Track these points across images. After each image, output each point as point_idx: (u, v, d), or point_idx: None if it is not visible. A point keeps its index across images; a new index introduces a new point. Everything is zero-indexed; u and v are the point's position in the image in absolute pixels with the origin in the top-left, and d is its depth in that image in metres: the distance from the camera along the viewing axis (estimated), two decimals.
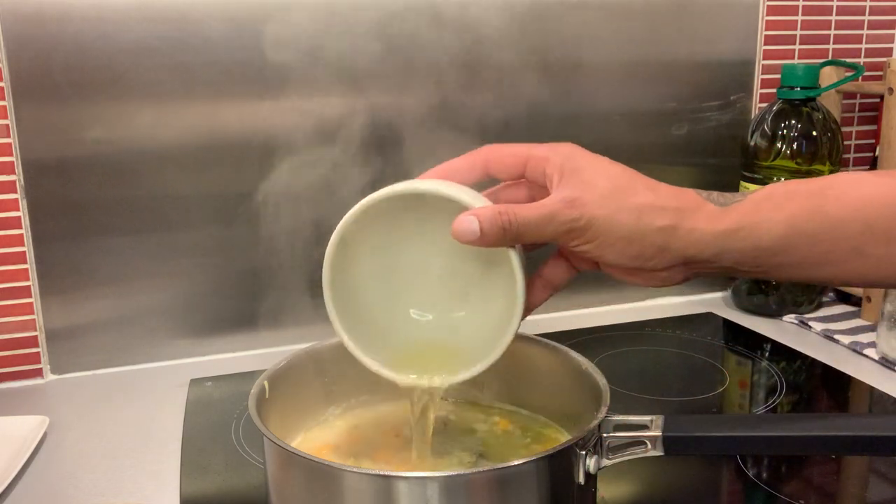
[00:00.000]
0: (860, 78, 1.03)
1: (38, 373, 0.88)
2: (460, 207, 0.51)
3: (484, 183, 0.57)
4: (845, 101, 1.09)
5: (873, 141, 1.14)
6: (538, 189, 0.55)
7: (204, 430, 0.76)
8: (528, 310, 0.56)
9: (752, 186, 1.00)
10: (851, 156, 1.15)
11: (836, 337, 0.95)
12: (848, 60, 1.05)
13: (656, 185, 0.53)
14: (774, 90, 1.03)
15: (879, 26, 1.11)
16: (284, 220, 0.91)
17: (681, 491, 0.67)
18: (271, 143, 0.89)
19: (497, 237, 0.50)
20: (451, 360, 0.56)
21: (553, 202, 0.51)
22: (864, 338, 0.94)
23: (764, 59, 1.06)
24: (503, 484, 0.48)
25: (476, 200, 0.52)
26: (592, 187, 0.51)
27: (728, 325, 1.02)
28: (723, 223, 0.52)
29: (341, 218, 0.54)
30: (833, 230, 0.52)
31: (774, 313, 1.03)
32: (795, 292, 1.02)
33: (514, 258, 0.52)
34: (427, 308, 0.59)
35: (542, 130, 0.97)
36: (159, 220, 0.88)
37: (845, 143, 1.06)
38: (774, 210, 0.52)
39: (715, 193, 0.54)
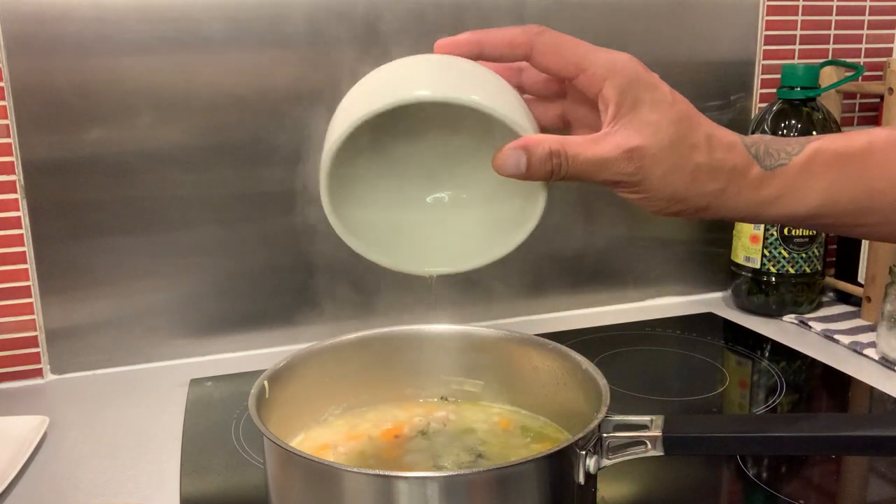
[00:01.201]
0: (860, 78, 1.02)
1: (38, 373, 0.88)
2: (491, 116, 0.47)
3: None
4: (845, 101, 1.09)
5: None
6: (585, 101, 0.51)
7: (204, 430, 0.76)
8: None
9: None
10: None
11: (836, 337, 0.95)
12: (848, 60, 1.05)
13: (711, 134, 0.50)
14: (774, 90, 1.03)
15: (879, 26, 1.11)
16: (284, 220, 0.91)
17: (681, 491, 0.67)
18: (271, 143, 0.89)
19: (542, 176, 0.48)
20: (457, 251, 0.55)
21: (611, 147, 0.48)
22: (864, 338, 0.94)
23: (764, 59, 1.06)
24: (503, 484, 0.48)
25: (515, 115, 0.48)
26: (655, 133, 0.48)
27: (728, 325, 1.02)
28: (764, 191, 0.51)
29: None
30: (870, 199, 0.51)
31: (774, 313, 1.03)
32: (795, 292, 1.02)
33: (543, 190, 0.50)
34: (435, 200, 0.56)
35: None
36: (159, 220, 0.88)
37: None
38: (815, 178, 0.51)
39: (761, 147, 0.51)
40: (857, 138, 0.53)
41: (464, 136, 0.54)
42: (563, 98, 0.55)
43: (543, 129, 0.52)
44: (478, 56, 0.51)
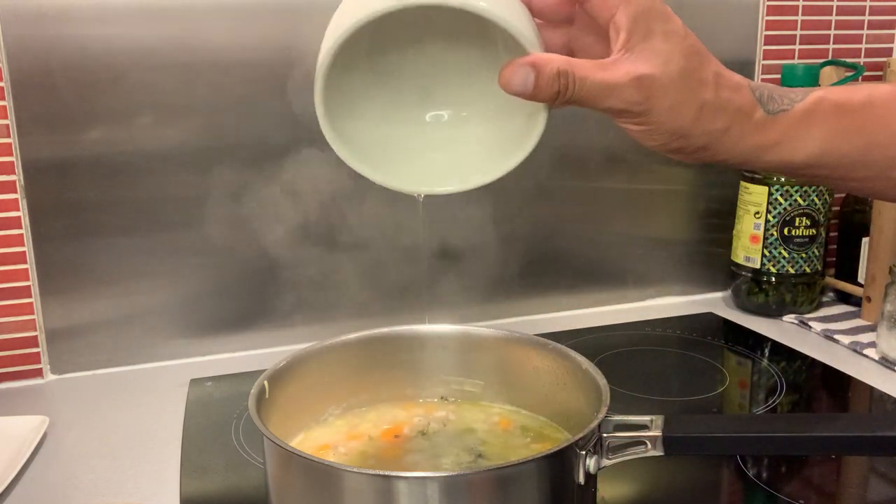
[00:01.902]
0: (860, 78, 1.02)
1: (38, 373, 0.88)
2: (494, 22, 0.45)
3: None
4: None
5: None
6: (589, 29, 0.51)
7: (204, 430, 0.76)
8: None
9: (751, 186, 1.00)
10: None
11: (836, 337, 0.95)
12: (848, 60, 1.05)
13: (719, 72, 0.50)
14: None
15: (879, 26, 1.11)
16: (284, 220, 0.91)
17: (681, 491, 0.67)
18: (271, 143, 0.89)
19: (548, 97, 0.46)
20: (452, 170, 0.54)
21: (620, 73, 0.47)
22: (864, 338, 0.94)
23: (764, 59, 1.06)
24: (503, 484, 0.48)
25: (523, 25, 0.46)
26: (665, 63, 0.47)
27: (728, 325, 1.02)
28: (765, 136, 0.50)
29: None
30: (867, 152, 0.52)
31: (774, 313, 1.03)
32: (795, 292, 1.02)
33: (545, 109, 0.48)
34: (434, 117, 0.54)
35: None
36: (159, 220, 0.88)
37: None
38: (814, 126, 0.51)
39: (765, 91, 0.51)
40: (858, 91, 0.53)
41: (465, 52, 0.52)
42: (570, 24, 0.53)
43: None
44: None
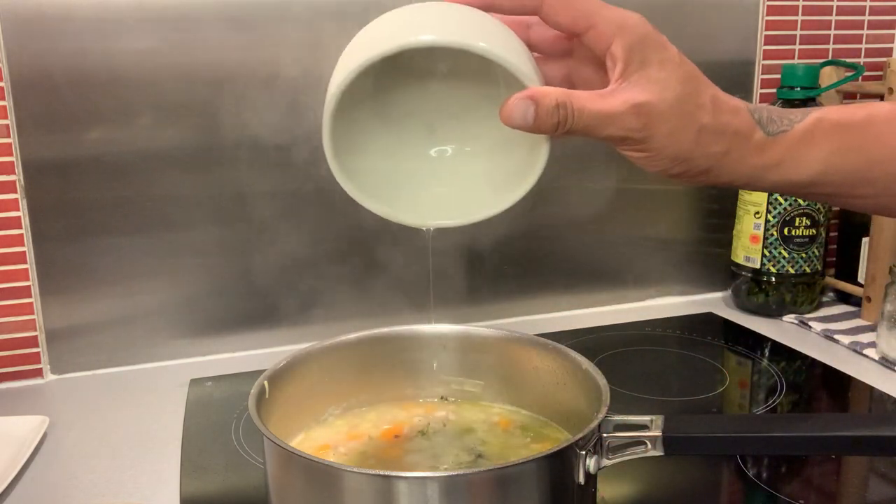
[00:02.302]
0: (860, 78, 1.02)
1: (38, 373, 0.88)
2: (501, 66, 0.47)
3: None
4: (845, 101, 1.09)
5: None
6: (593, 59, 0.51)
7: (204, 430, 0.76)
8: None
9: None
10: None
11: (836, 337, 0.95)
12: (848, 60, 1.05)
13: (717, 96, 0.51)
14: (774, 90, 1.03)
15: (879, 26, 1.11)
16: (284, 220, 0.91)
17: (681, 491, 0.67)
18: (271, 143, 0.89)
19: (549, 129, 0.48)
20: (457, 204, 0.55)
21: (618, 102, 0.48)
22: (864, 338, 0.94)
23: (764, 59, 1.06)
24: (503, 484, 0.48)
25: (520, 64, 0.47)
26: (662, 90, 0.48)
27: (728, 325, 1.02)
28: (765, 156, 0.51)
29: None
30: (869, 169, 0.52)
31: (774, 313, 1.03)
32: (795, 292, 1.02)
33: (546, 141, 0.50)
34: (437, 151, 0.56)
35: None
36: (159, 220, 0.88)
37: None
38: (815, 146, 0.51)
39: (764, 113, 0.52)
40: (858, 110, 0.54)
41: (468, 88, 0.54)
42: (569, 57, 0.54)
43: None
44: (488, 8, 0.50)
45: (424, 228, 0.56)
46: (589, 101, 0.48)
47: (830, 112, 0.53)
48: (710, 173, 0.51)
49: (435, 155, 0.56)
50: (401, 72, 0.53)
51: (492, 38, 0.48)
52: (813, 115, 0.52)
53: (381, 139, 0.55)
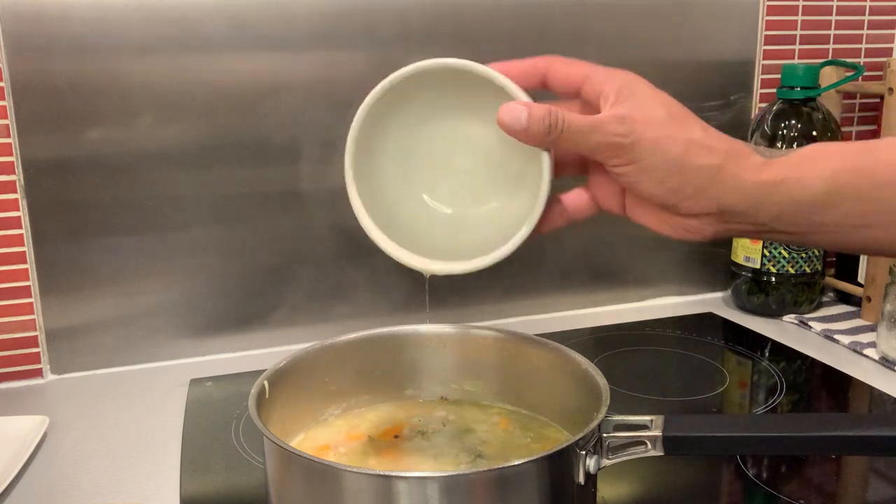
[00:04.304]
0: (860, 78, 1.02)
1: (38, 373, 0.88)
2: (506, 95, 0.52)
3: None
4: (845, 101, 1.09)
5: None
6: (592, 110, 0.54)
7: (204, 430, 0.76)
8: (540, 230, 0.56)
9: None
10: None
11: (836, 337, 0.95)
12: (848, 60, 1.05)
13: (708, 127, 0.53)
14: (774, 90, 1.03)
15: (879, 26, 1.11)
16: (284, 220, 0.91)
17: (681, 491, 0.67)
18: (271, 143, 0.89)
19: (541, 134, 0.50)
20: (458, 249, 0.57)
21: (604, 115, 0.51)
22: (864, 338, 0.94)
23: (764, 59, 1.06)
24: (503, 484, 0.48)
25: (523, 94, 0.52)
26: (646, 110, 0.51)
27: (728, 325, 1.02)
28: (766, 174, 0.51)
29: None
30: (877, 190, 0.51)
31: (774, 313, 1.03)
32: (795, 292, 1.02)
33: (546, 159, 0.52)
34: (445, 195, 0.59)
35: None
36: (159, 220, 0.88)
37: None
38: (818, 165, 0.51)
39: (762, 147, 0.54)
40: (859, 143, 0.54)
41: (473, 138, 0.57)
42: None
43: None
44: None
45: (427, 274, 0.58)
46: (576, 114, 0.51)
47: (831, 143, 0.55)
48: (708, 191, 0.51)
49: (437, 201, 0.59)
50: (410, 113, 0.56)
51: (490, 68, 0.53)
52: (811, 145, 0.54)
53: (390, 180, 0.58)
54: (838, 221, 0.52)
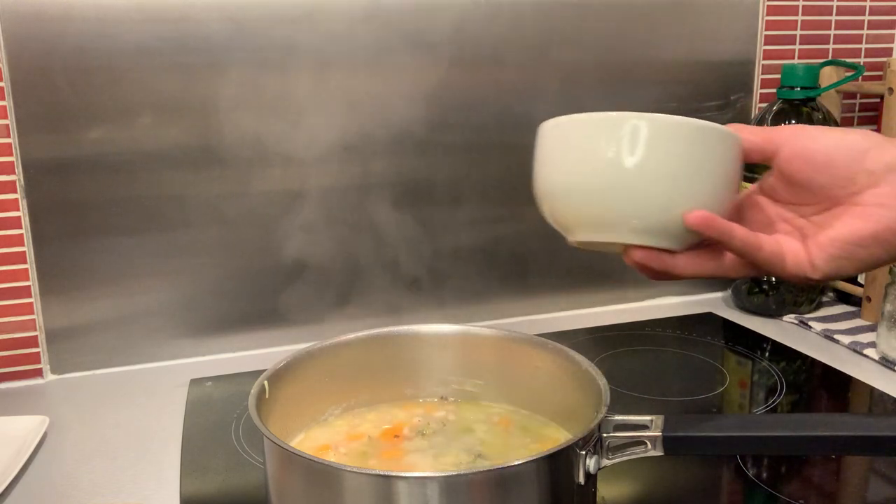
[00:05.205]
0: (860, 78, 1.02)
1: (38, 373, 0.88)
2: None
3: None
4: (845, 101, 1.09)
5: None
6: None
7: (204, 430, 0.76)
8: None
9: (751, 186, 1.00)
10: None
11: (836, 337, 0.95)
12: (848, 60, 1.05)
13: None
14: (774, 90, 1.03)
15: (879, 26, 1.11)
16: (284, 220, 0.91)
17: (681, 491, 0.67)
18: (271, 142, 0.89)
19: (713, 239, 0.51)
20: None
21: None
22: (864, 338, 0.94)
23: (764, 59, 1.06)
24: (503, 484, 0.48)
25: None
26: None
27: (728, 325, 1.02)
28: None
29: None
30: None
31: (774, 313, 1.03)
32: (795, 292, 1.02)
33: None
34: None
35: None
36: (159, 220, 0.88)
37: None
38: None
39: None
40: None
41: None
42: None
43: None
44: None
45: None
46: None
47: None
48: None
49: None
50: None
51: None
52: None
53: None
54: None
